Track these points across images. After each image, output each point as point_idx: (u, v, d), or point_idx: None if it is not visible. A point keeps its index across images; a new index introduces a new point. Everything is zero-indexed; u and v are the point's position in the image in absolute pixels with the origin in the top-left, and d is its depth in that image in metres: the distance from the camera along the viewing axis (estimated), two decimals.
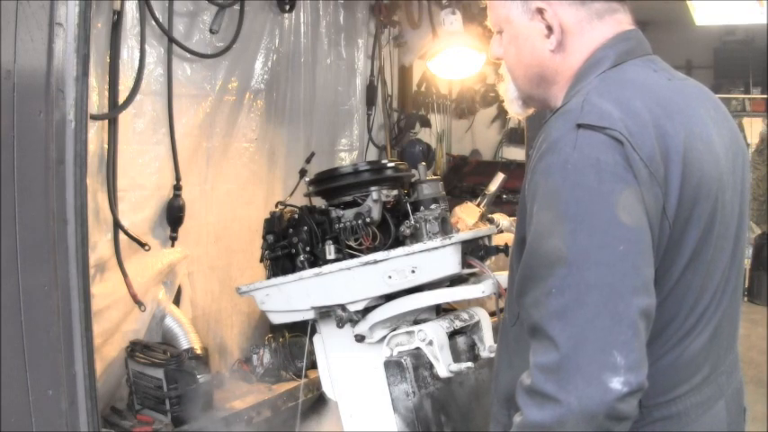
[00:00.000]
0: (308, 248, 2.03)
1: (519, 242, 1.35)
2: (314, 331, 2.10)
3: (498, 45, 1.45)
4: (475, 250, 1.98)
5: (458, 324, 1.99)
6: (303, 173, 2.83)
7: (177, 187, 2.78)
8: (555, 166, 1.18)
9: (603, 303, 1.11)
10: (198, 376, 2.51)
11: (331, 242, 2.01)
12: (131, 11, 2.56)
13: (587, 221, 1.14)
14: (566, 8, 1.33)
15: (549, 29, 1.33)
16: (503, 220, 3.99)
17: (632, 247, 1.14)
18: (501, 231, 3.83)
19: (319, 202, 2.16)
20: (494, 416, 1.47)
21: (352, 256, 1.97)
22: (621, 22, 1.35)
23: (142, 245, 2.61)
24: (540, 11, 1.33)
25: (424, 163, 2.17)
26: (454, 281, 1.98)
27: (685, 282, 1.24)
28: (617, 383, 1.08)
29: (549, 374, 1.12)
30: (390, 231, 2.03)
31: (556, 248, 1.15)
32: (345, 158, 3.79)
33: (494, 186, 3.85)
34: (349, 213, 2.02)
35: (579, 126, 1.18)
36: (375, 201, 2.02)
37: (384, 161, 2.20)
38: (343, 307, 1.93)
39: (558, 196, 1.17)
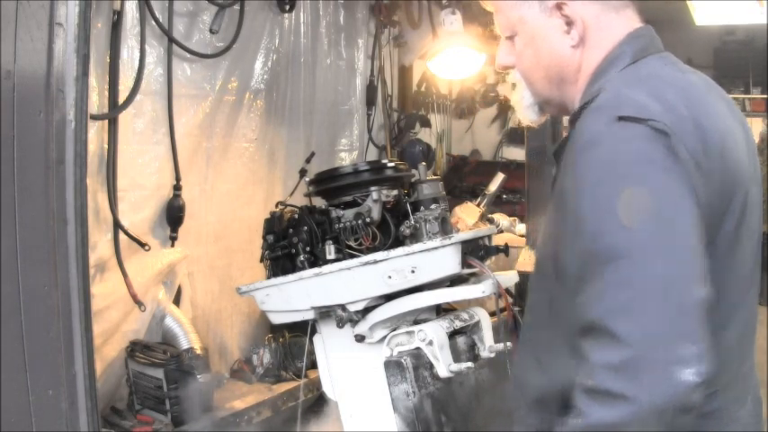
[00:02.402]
0: (308, 248, 2.03)
1: (550, 242, 1.32)
2: (314, 331, 2.09)
3: (508, 53, 1.40)
4: (475, 250, 1.98)
5: (458, 324, 1.99)
6: (303, 173, 2.83)
7: (177, 187, 2.78)
8: (600, 160, 1.16)
9: (668, 294, 1.09)
10: (198, 376, 2.51)
11: (331, 242, 2.01)
12: (131, 11, 2.55)
13: (643, 213, 1.11)
14: (585, 2, 1.31)
15: (569, 24, 1.30)
16: (503, 220, 4.00)
17: (689, 238, 1.13)
18: (501, 231, 3.84)
19: (319, 202, 2.16)
20: (520, 420, 1.43)
21: (352, 256, 1.97)
22: (632, 18, 1.35)
23: (142, 245, 2.61)
24: (559, 6, 1.30)
25: (424, 163, 2.17)
26: (454, 281, 1.98)
27: (721, 274, 1.23)
28: (689, 375, 1.06)
29: (616, 372, 1.09)
30: (390, 231, 2.03)
31: (613, 243, 1.12)
32: (345, 158, 3.79)
33: (494, 186, 3.85)
34: (349, 213, 2.02)
35: (620, 119, 1.16)
36: (375, 201, 2.02)
37: (384, 161, 2.20)
38: (343, 307, 1.93)
39: (608, 190, 1.14)
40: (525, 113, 1.44)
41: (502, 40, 1.41)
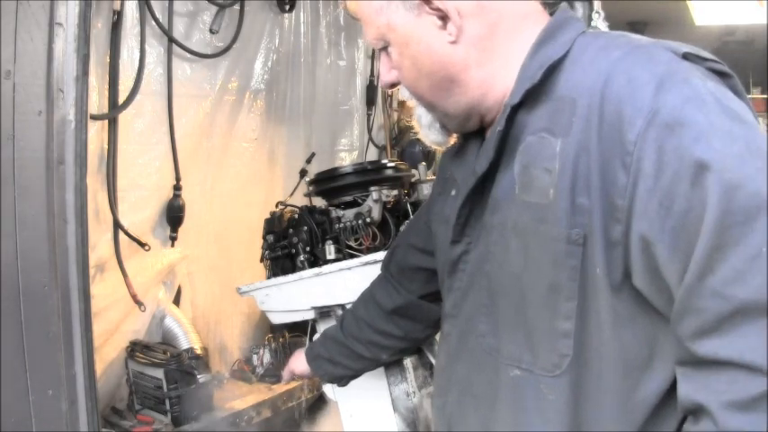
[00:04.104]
0: (308, 248, 2.03)
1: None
2: (314, 331, 2.10)
3: (388, 68, 1.17)
4: None
5: None
6: (303, 173, 2.83)
7: (177, 187, 2.78)
8: (688, 102, 0.91)
9: None
10: (198, 376, 2.51)
11: (331, 242, 2.01)
12: (131, 11, 2.55)
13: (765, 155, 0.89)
14: None
15: (443, 18, 1.08)
16: None
17: None
18: None
19: (319, 202, 2.16)
20: None
21: (353, 256, 1.97)
22: None
23: (142, 245, 2.61)
24: (426, 0, 1.08)
25: (424, 163, 2.17)
26: None
27: None
28: None
29: (753, 411, 0.85)
30: (390, 231, 2.03)
31: (752, 194, 0.86)
32: (345, 158, 3.79)
33: None
34: (349, 213, 2.02)
35: (685, 57, 0.97)
36: (375, 201, 2.02)
37: (384, 161, 2.21)
38: (343, 307, 1.93)
39: (722, 134, 0.89)
40: (428, 135, 1.21)
41: (381, 56, 1.19)
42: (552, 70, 1.04)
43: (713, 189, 0.87)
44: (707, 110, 0.91)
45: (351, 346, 1.68)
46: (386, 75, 1.19)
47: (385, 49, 1.16)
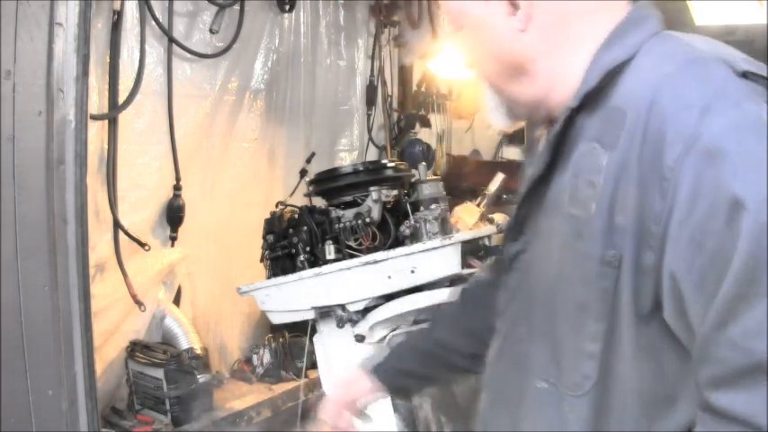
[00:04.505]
0: (308, 248, 2.03)
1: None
2: (314, 331, 2.10)
3: (463, 51, 1.18)
4: (475, 250, 1.98)
5: None
6: (303, 173, 2.83)
7: (177, 187, 2.78)
8: (735, 129, 0.84)
9: None
10: (198, 376, 2.51)
11: (331, 242, 2.01)
12: (131, 11, 2.55)
13: None
14: None
15: (514, 5, 1.05)
16: (503, 220, 3.99)
17: None
18: (501, 231, 3.83)
19: (319, 202, 2.16)
20: None
21: (352, 256, 1.97)
22: None
23: (142, 245, 2.61)
24: None
25: (424, 163, 2.17)
26: (454, 281, 1.98)
27: None
28: None
29: None
30: (390, 231, 2.03)
31: None
32: (345, 158, 3.79)
33: (494, 186, 3.84)
34: (349, 213, 2.02)
35: (744, 75, 0.91)
36: (375, 201, 2.02)
37: (384, 161, 2.21)
38: (343, 307, 1.93)
39: None
40: (492, 118, 1.20)
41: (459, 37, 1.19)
42: (613, 75, 0.99)
43: (745, 231, 0.80)
44: (754, 140, 0.83)
45: (449, 358, 1.48)
46: (462, 58, 1.19)
47: (458, 32, 1.15)
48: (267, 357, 2.92)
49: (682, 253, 0.86)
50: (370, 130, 3.90)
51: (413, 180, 2.11)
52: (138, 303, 2.58)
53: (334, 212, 2.04)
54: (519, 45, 1.06)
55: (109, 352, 2.55)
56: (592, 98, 1.01)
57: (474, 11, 1.09)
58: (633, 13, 1.05)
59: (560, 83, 1.07)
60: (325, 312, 1.98)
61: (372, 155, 3.97)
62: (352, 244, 2.01)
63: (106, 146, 2.50)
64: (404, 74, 4.48)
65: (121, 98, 2.51)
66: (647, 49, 1.00)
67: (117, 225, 2.53)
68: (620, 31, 1.02)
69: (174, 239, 2.80)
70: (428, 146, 4.32)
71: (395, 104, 4.32)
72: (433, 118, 4.81)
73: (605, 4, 1.05)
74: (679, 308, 0.89)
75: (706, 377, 0.86)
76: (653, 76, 0.94)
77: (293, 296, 2.01)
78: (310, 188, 2.17)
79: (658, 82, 0.92)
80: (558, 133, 1.03)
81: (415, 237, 1.98)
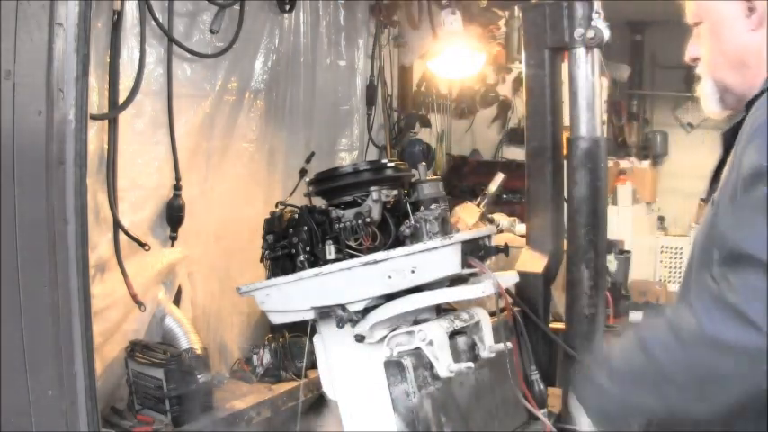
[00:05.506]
0: (308, 248, 2.03)
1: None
2: (314, 331, 2.10)
3: (695, 45, 1.45)
4: (475, 250, 1.98)
5: (458, 324, 1.99)
6: (303, 173, 2.83)
7: (177, 187, 2.77)
8: None
9: None
10: (198, 376, 2.51)
11: (331, 242, 2.01)
12: (131, 11, 2.55)
13: None
14: None
15: (752, 9, 1.33)
16: (503, 220, 4.00)
17: None
18: (501, 231, 3.84)
19: (319, 203, 2.16)
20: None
21: (352, 256, 1.97)
22: None
23: (142, 245, 2.61)
24: None
25: (424, 163, 2.17)
26: (454, 281, 1.98)
27: None
28: None
29: (762, 302, 1.08)
30: (390, 231, 2.03)
31: None
32: (345, 158, 3.79)
33: (494, 186, 3.85)
34: (349, 213, 2.02)
35: None
36: (375, 201, 2.02)
37: (384, 161, 2.21)
38: (343, 307, 1.93)
39: None
40: (707, 104, 1.46)
41: (693, 32, 1.46)
42: None
43: None
44: None
45: None
46: (692, 50, 1.45)
47: (697, 25, 1.42)
48: (267, 357, 2.92)
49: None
50: (370, 130, 3.90)
51: (413, 180, 2.11)
52: (138, 303, 2.57)
53: (335, 212, 2.04)
54: (750, 43, 1.33)
55: (109, 352, 2.54)
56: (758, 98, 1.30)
57: (717, 9, 1.36)
58: None
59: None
60: (325, 312, 1.98)
61: (372, 155, 3.97)
62: (353, 244, 2.01)
63: (106, 146, 2.50)
64: (404, 74, 4.49)
65: (121, 98, 2.51)
66: None
67: (117, 225, 2.53)
68: None
69: (173, 239, 2.80)
70: (428, 146, 4.32)
71: (395, 104, 4.32)
72: (433, 118, 4.81)
73: None
74: None
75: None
76: None
77: (293, 296, 2.01)
78: (310, 188, 2.17)
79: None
80: (735, 124, 1.34)
81: (415, 237, 1.98)
